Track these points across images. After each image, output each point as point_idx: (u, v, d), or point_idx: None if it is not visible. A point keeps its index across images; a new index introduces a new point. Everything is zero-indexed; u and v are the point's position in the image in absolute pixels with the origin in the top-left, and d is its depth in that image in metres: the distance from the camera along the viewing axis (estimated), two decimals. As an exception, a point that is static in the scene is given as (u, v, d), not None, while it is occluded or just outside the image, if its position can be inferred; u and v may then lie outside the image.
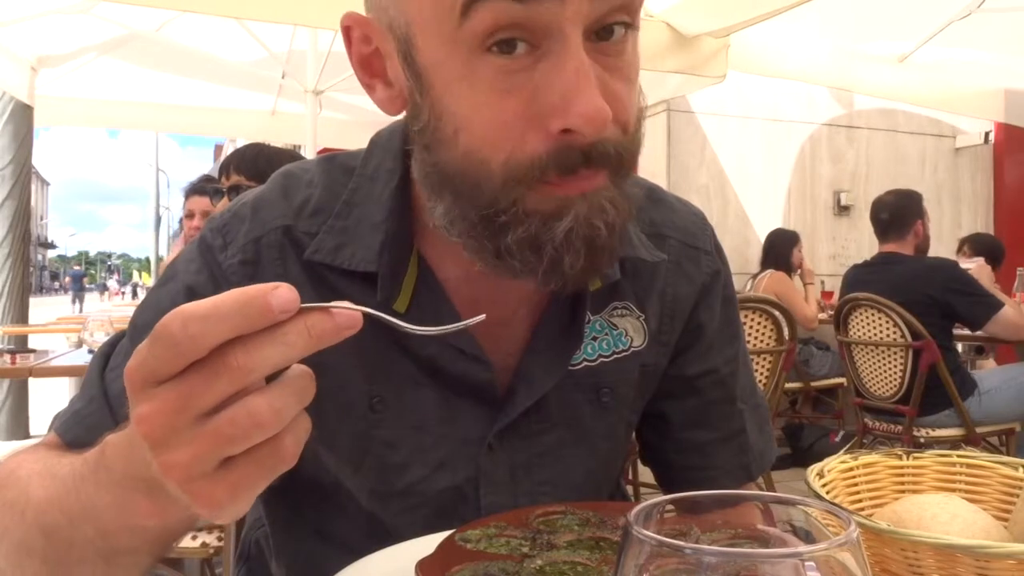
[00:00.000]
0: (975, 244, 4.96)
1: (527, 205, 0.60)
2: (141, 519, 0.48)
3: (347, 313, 0.41)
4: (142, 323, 0.73)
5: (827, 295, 5.18)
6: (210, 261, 0.73)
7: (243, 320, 0.39)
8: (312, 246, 0.71)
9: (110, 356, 0.74)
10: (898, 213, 3.49)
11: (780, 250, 4.83)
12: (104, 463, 0.49)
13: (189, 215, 3.09)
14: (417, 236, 0.72)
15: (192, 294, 0.71)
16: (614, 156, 0.60)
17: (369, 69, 0.67)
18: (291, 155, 2.87)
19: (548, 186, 0.59)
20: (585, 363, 0.77)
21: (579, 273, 0.62)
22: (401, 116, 0.69)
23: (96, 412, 0.70)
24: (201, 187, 3.08)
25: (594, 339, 0.78)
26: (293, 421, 0.41)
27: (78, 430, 0.69)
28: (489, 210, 0.60)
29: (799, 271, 4.89)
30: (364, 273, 0.70)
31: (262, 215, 0.74)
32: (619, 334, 0.79)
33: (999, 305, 3.18)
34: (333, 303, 0.41)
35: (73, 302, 38.04)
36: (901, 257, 3.45)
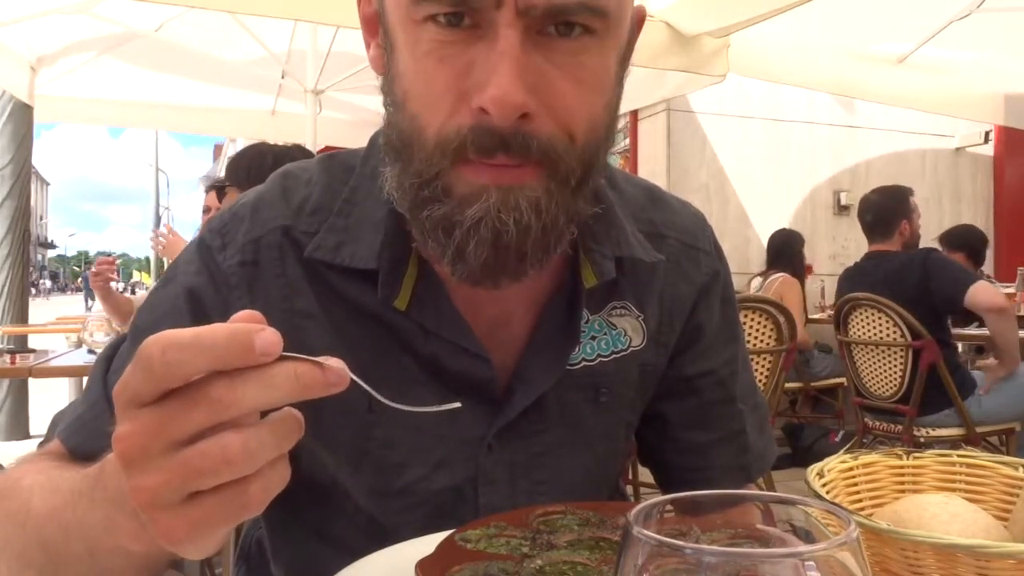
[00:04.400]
0: (950, 239, 4.50)
1: (447, 181, 0.60)
2: (125, 541, 0.48)
3: (337, 370, 0.41)
4: (143, 325, 0.73)
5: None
6: (209, 262, 0.73)
7: (223, 354, 0.39)
8: (312, 244, 0.71)
9: (112, 359, 0.74)
10: (881, 214, 3.47)
11: (793, 250, 4.79)
12: (102, 480, 0.49)
13: (206, 210, 3.04)
14: None
15: (192, 296, 0.72)
16: (539, 153, 0.59)
17: (369, 27, 0.69)
18: (289, 155, 2.86)
19: (469, 166, 0.60)
20: (584, 363, 0.77)
21: (484, 268, 0.62)
22: None
23: (99, 417, 0.70)
24: (221, 183, 3.02)
25: (593, 339, 0.78)
26: (268, 467, 0.41)
27: (81, 436, 0.70)
28: (417, 179, 0.62)
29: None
30: (364, 271, 0.70)
31: (261, 215, 0.74)
32: (618, 334, 0.79)
33: (973, 279, 3.16)
34: (322, 358, 0.41)
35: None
36: (887, 255, 3.44)
